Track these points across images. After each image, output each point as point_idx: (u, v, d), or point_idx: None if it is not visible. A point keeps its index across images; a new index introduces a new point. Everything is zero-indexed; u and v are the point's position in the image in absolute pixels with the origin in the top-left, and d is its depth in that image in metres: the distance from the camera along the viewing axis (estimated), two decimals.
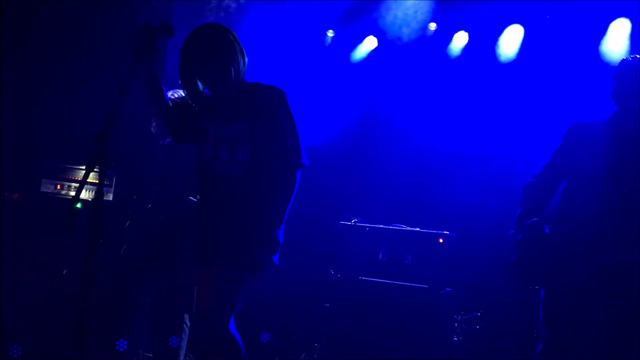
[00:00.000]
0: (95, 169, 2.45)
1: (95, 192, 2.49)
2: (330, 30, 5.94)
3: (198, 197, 2.88)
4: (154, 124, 3.45)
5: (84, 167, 4.42)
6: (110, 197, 4.52)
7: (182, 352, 3.09)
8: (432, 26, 5.63)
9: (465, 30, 5.53)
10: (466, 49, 5.49)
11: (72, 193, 4.44)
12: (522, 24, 5.30)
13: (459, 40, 5.53)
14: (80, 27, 4.85)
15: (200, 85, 2.83)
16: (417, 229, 4.36)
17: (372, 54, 5.86)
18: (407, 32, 5.62)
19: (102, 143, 2.40)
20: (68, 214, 4.07)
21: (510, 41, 5.31)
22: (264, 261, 2.68)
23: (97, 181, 4.39)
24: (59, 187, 4.42)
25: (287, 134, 2.72)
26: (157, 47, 2.63)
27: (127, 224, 4.26)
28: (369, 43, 5.86)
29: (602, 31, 4.97)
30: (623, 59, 2.99)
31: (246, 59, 2.83)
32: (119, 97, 2.39)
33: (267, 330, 4.85)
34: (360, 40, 5.87)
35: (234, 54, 2.77)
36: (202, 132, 2.80)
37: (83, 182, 2.44)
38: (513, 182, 4.72)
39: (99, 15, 4.91)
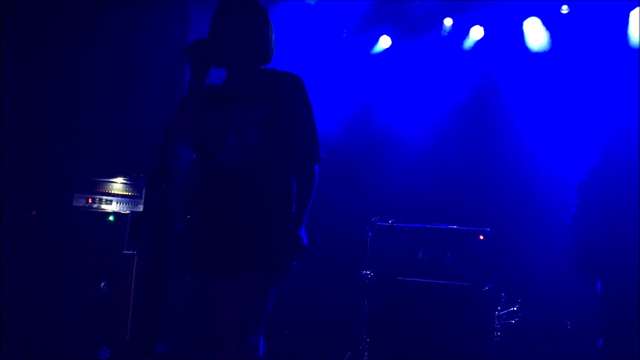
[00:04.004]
0: (159, 185, 2.31)
1: (158, 209, 2.40)
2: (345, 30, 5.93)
3: (197, 195, 2.56)
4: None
5: (115, 180, 4.44)
6: (140, 208, 4.47)
7: None
8: (448, 22, 5.65)
9: (481, 25, 5.54)
10: (491, 43, 5.48)
11: (104, 206, 4.39)
12: (540, 17, 5.32)
13: (476, 34, 5.54)
14: (120, 41, 4.80)
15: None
16: (455, 227, 4.36)
17: (391, 51, 5.85)
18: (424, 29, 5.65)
19: (166, 157, 2.32)
20: (133, 230, 4.05)
21: (532, 34, 5.32)
22: (288, 263, 2.41)
23: (129, 193, 4.37)
24: (90, 200, 4.37)
25: (306, 123, 2.49)
26: (209, 61, 2.52)
27: None
28: (385, 41, 5.85)
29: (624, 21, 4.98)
30: None
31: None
32: (182, 108, 2.34)
33: (305, 332, 4.85)
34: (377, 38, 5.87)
35: (270, 32, 2.55)
36: (206, 123, 2.50)
37: (148, 199, 2.35)
38: (548, 176, 4.78)
39: (130, 27, 4.87)
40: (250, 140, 2.42)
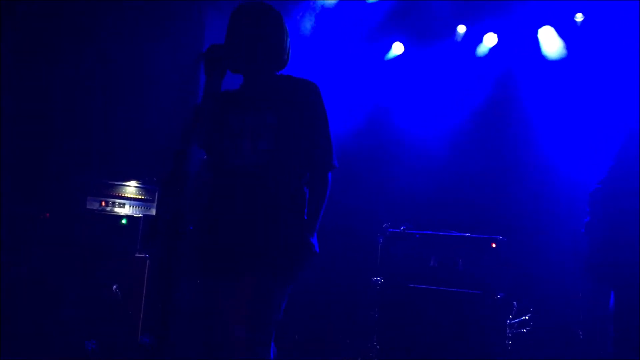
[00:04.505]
0: (174, 189, 2.33)
1: (172, 212, 2.42)
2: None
3: (209, 198, 2.56)
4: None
5: (128, 184, 4.47)
6: (152, 211, 4.49)
7: None
8: (461, 29, 5.65)
9: (495, 32, 5.54)
10: (504, 50, 5.48)
11: (117, 209, 4.42)
12: (554, 26, 5.31)
13: (490, 42, 5.54)
14: (136, 45, 4.84)
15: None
16: (467, 234, 4.34)
17: (404, 57, 5.86)
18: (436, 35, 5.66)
19: (181, 159, 2.34)
20: (148, 232, 4.08)
21: (546, 42, 5.31)
22: (298, 268, 2.40)
23: (142, 197, 4.39)
24: (103, 203, 4.40)
25: (321, 130, 2.48)
26: (224, 67, 2.53)
27: None
28: (398, 48, 5.86)
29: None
30: None
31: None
32: (198, 112, 2.36)
33: (315, 337, 4.84)
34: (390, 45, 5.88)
35: (286, 36, 2.56)
36: (221, 127, 2.50)
37: (162, 201, 2.38)
38: (563, 184, 4.76)
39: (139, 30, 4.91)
40: (264, 145, 2.42)
